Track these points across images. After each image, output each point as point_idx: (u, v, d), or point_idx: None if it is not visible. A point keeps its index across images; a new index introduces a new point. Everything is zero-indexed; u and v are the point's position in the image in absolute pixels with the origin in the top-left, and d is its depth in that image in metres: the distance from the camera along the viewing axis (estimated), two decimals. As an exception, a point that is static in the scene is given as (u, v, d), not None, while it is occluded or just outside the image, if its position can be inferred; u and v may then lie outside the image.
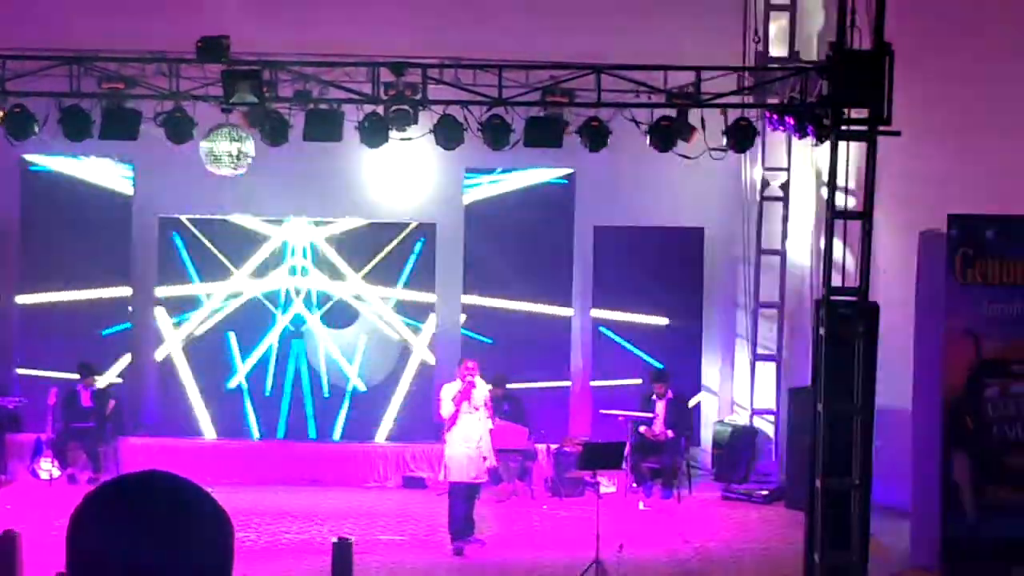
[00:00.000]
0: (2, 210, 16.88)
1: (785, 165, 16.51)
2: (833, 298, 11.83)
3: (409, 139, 12.52)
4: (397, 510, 15.27)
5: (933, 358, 12.95)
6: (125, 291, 16.89)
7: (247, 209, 16.70)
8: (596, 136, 12.48)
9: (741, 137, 12.51)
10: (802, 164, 16.25)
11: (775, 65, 14.65)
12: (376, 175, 16.83)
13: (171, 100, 12.51)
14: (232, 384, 16.84)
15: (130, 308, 16.91)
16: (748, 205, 16.81)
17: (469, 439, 13.41)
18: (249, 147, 12.80)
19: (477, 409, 13.45)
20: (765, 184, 16.68)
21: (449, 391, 13.49)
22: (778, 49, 15.95)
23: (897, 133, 11.57)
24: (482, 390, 13.53)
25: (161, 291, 16.85)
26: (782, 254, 16.69)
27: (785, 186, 16.59)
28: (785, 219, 16.61)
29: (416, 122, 12.87)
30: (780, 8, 16.08)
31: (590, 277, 16.98)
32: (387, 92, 12.57)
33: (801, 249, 16.43)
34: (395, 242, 16.77)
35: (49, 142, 13.49)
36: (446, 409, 13.46)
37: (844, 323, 11.71)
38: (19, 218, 16.88)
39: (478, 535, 13.67)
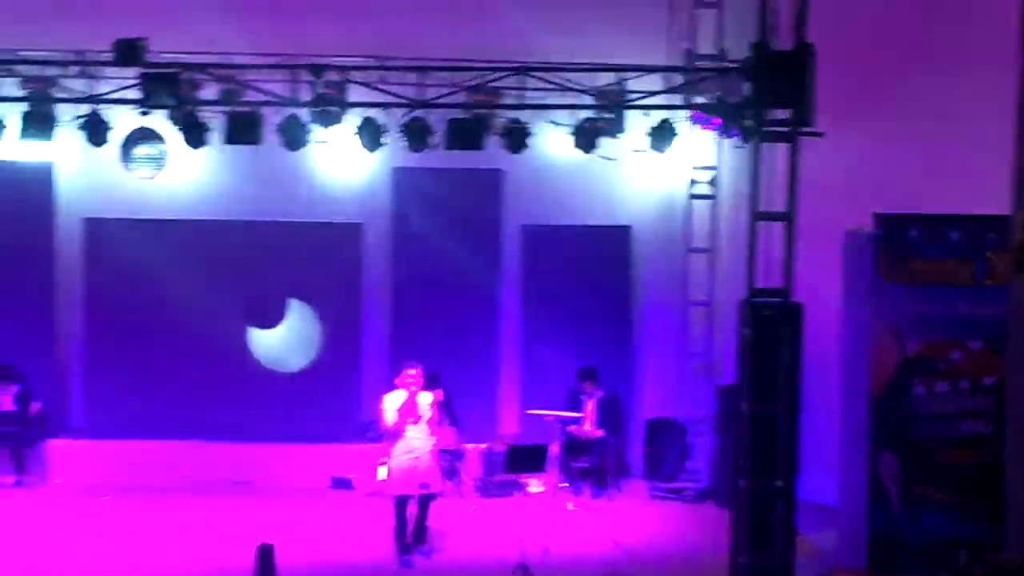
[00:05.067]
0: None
1: (714, 163, 16.47)
2: (756, 299, 11.83)
3: (325, 142, 12.41)
4: (324, 513, 15.15)
5: (860, 357, 13.00)
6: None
7: (173, 211, 16.50)
8: (518, 138, 12.43)
9: (661, 137, 12.49)
10: (731, 162, 16.21)
11: (700, 65, 14.62)
12: (305, 175, 16.67)
13: (89, 104, 12.36)
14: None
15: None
16: (676, 204, 16.78)
17: (412, 450, 13.20)
18: (167, 150, 12.69)
19: (421, 418, 13.27)
20: (693, 183, 16.64)
21: (392, 401, 13.22)
22: (706, 47, 15.90)
23: (820, 134, 11.58)
24: (426, 398, 13.33)
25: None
26: (711, 252, 16.67)
27: (714, 184, 16.56)
28: (714, 218, 16.59)
29: (340, 122, 12.79)
30: (707, 5, 16.01)
31: (518, 275, 16.92)
32: (307, 93, 12.48)
33: (730, 248, 16.42)
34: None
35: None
36: (389, 420, 13.25)
37: (768, 324, 11.71)
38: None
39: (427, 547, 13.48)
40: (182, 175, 14.31)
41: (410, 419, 13.14)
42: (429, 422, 13.23)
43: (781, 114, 11.82)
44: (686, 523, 15.08)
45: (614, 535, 14.42)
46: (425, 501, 13.42)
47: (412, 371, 13.16)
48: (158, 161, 12.77)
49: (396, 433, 13.20)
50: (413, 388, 13.12)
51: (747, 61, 11.57)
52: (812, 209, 14.74)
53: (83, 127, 12.48)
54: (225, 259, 16.64)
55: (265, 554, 11.95)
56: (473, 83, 12.72)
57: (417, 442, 13.18)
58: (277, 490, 15.92)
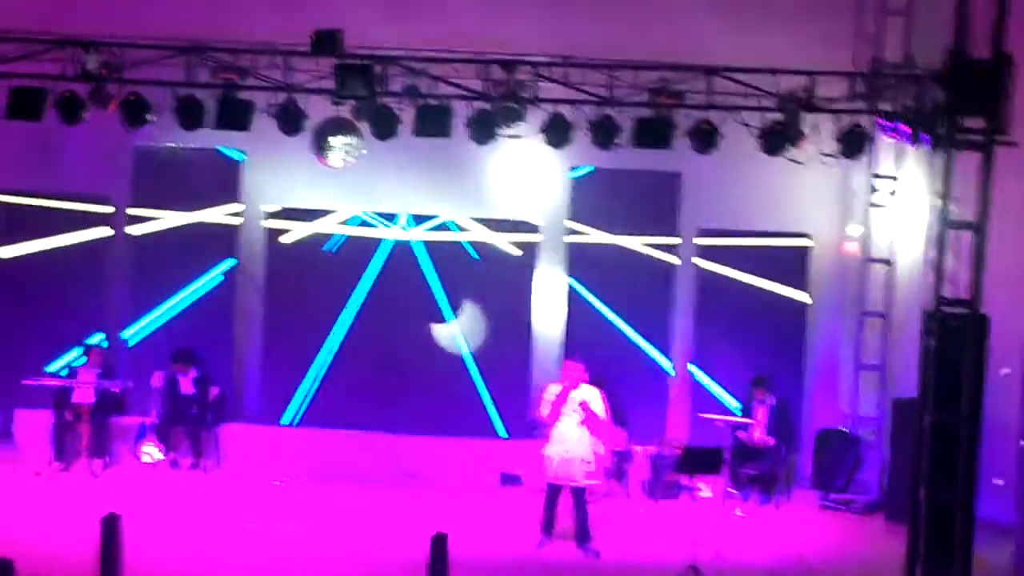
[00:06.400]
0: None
1: (894, 172, 16.25)
2: (943, 310, 11.66)
3: (517, 137, 12.52)
4: (494, 507, 15.26)
5: (1045, 372, 12.73)
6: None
7: (355, 203, 16.78)
8: (706, 138, 12.42)
9: (853, 143, 12.36)
10: (912, 171, 15.99)
11: (889, 71, 14.42)
12: (480, 172, 16.80)
13: (284, 92, 12.62)
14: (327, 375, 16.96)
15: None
16: (854, 211, 16.59)
17: (563, 440, 13.34)
18: (359, 141, 12.91)
19: (575, 412, 13.36)
20: (873, 191, 16.44)
21: (551, 392, 13.44)
22: (893, 53, 15.68)
23: (1014, 144, 11.38)
24: (582, 392, 13.39)
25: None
26: (890, 262, 16.45)
27: (894, 193, 16.33)
28: (894, 227, 16.36)
29: (524, 119, 12.90)
30: (896, 13, 15.81)
31: (693, 278, 16.90)
32: (496, 88, 12.60)
33: (909, 258, 16.19)
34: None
35: (162, 130, 13.61)
36: (544, 410, 13.44)
37: (953, 336, 11.53)
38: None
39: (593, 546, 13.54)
40: (364, 167, 14.51)
41: (562, 411, 13.27)
42: (585, 419, 13.31)
43: (971, 122, 11.64)
44: (856, 535, 14.88)
45: (783, 543, 14.29)
46: (579, 497, 13.47)
47: (571, 365, 13.38)
48: (351, 152, 12.98)
49: (547, 424, 13.40)
50: (567, 382, 13.25)
51: (943, 69, 11.41)
52: (998, 220, 14.52)
53: (277, 115, 12.75)
54: (402, 252, 16.85)
55: (439, 544, 12.06)
56: (659, 84, 12.74)
57: (567, 434, 13.29)
58: (446, 484, 16.08)
